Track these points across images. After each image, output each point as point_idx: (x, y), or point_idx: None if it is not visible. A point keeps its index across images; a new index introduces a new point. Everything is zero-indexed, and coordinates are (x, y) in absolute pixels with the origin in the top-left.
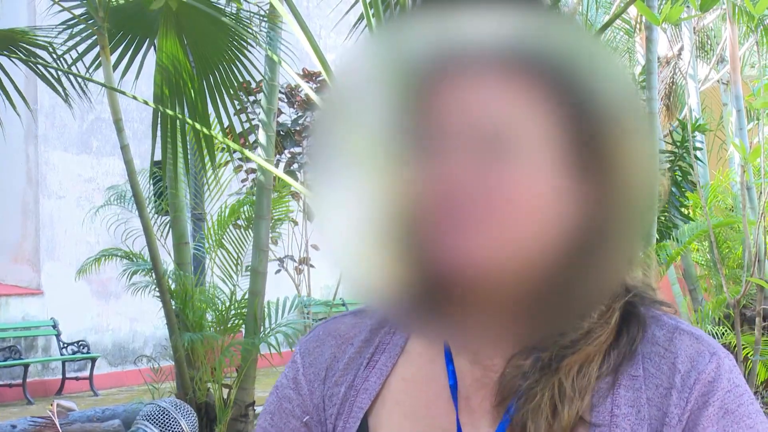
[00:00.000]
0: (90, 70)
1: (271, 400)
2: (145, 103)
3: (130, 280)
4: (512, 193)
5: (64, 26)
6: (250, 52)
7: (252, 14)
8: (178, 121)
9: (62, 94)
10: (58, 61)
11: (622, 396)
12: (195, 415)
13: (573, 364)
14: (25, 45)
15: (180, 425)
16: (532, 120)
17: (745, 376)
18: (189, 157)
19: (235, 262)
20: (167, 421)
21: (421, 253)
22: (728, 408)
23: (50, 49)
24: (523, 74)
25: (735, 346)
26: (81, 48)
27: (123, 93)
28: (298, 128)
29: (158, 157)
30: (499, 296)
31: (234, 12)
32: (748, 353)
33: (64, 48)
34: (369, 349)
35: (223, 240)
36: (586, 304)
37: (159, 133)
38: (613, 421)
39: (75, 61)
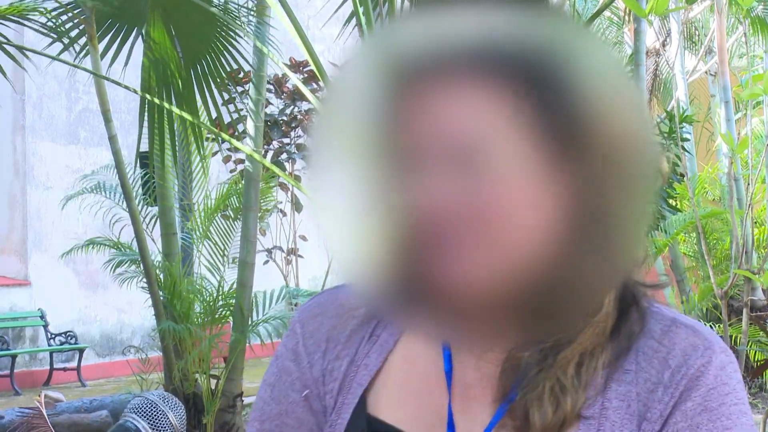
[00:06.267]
0: (79, 57)
1: (271, 371)
2: (135, 92)
3: (115, 270)
4: (495, 206)
5: (53, 16)
6: (238, 42)
7: (240, 6)
8: (165, 110)
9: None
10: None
11: (613, 389)
12: (183, 407)
13: (572, 356)
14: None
15: (168, 418)
16: (510, 126)
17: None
18: (177, 147)
19: (221, 254)
20: (155, 413)
21: (409, 263)
22: (708, 405)
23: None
24: (500, 77)
25: (722, 338)
26: (69, 40)
27: (115, 82)
28: (285, 118)
29: (145, 147)
30: (493, 304)
31: (222, 2)
32: (736, 343)
33: (54, 36)
34: (371, 322)
35: (210, 231)
36: (589, 298)
37: (146, 123)
38: (603, 414)
39: (63, 50)
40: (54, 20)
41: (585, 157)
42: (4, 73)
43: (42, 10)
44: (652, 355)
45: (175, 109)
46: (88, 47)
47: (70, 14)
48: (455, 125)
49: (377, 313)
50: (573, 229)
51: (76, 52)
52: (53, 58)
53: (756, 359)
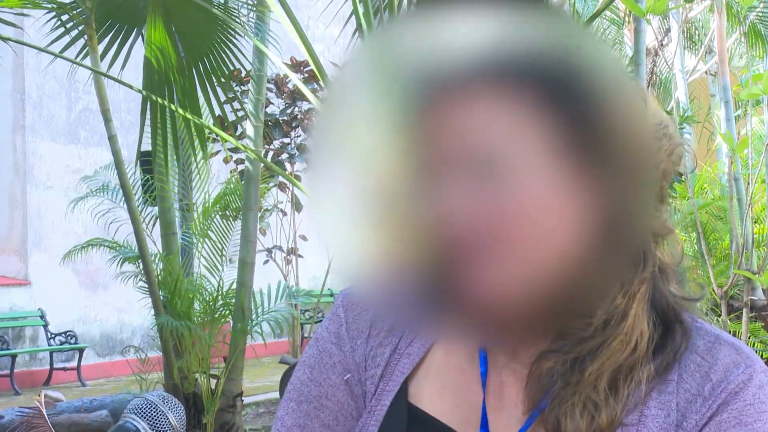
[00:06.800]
0: (78, 58)
1: (311, 353)
2: (139, 91)
3: (120, 266)
4: (519, 216)
5: (53, 15)
6: (238, 41)
7: (240, 5)
8: (167, 110)
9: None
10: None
11: (653, 398)
12: (183, 408)
13: (600, 371)
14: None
15: (168, 419)
16: (529, 133)
17: None
18: (178, 147)
19: (219, 253)
20: (155, 414)
21: (436, 280)
22: (743, 420)
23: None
24: (515, 84)
25: None
26: (68, 38)
27: (117, 80)
28: (286, 118)
29: (146, 146)
30: (521, 314)
31: (222, 2)
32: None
33: (53, 36)
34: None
35: (209, 231)
36: (607, 293)
37: (148, 122)
38: (641, 422)
39: (64, 49)
40: (56, 16)
41: (606, 163)
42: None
43: (41, 1)
44: (695, 369)
45: (174, 107)
46: (87, 47)
47: (69, 14)
48: (476, 135)
49: (400, 324)
50: (595, 230)
51: (76, 51)
52: (56, 55)
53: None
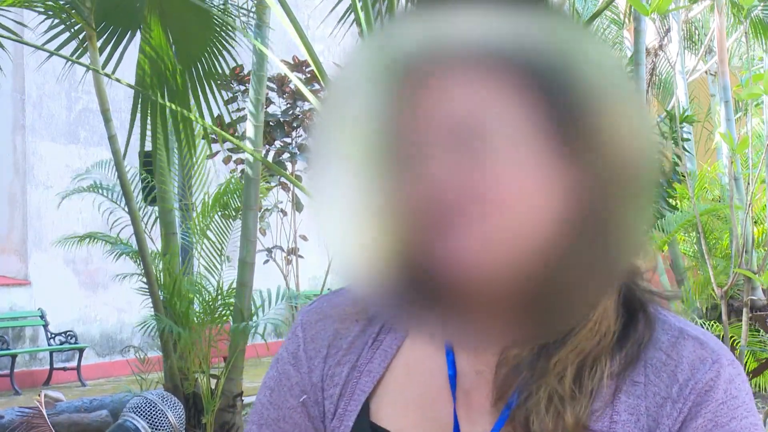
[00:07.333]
0: (75, 56)
1: (271, 375)
2: (140, 91)
3: (116, 260)
4: (498, 191)
5: (52, 15)
6: (237, 42)
7: (240, 7)
8: (165, 109)
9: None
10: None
11: (623, 402)
12: (182, 407)
13: (567, 361)
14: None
15: (167, 418)
16: (512, 112)
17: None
18: (174, 146)
19: (219, 253)
20: (154, 413)
21: (412, 254)
22: (718, 421)
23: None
24: (503, 69)
25: (722, 338)
26: (66, 37)
27: (116, 80)
28: (287, 119)
29: (138, 145)
30: (495, 294)
31: (222, 2)
32: (735, 343)
33: (51, 34)
34: (374, 327)
35: (208, 231)
36: (591, 294)
37: (145, 124)
38: (612, 428)
39: (61, 46)
40: (55, 15)
41: (587, 151)
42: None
43: (39, 3)
44: (661, 368)
45: (169, 104)
46: (86, 44)
47: (68, 14)
48: (457, 110)
49: (379, 316)
50: (573, 224)
51: (74, 50)
52: (51, 53)
53: (756, 358)
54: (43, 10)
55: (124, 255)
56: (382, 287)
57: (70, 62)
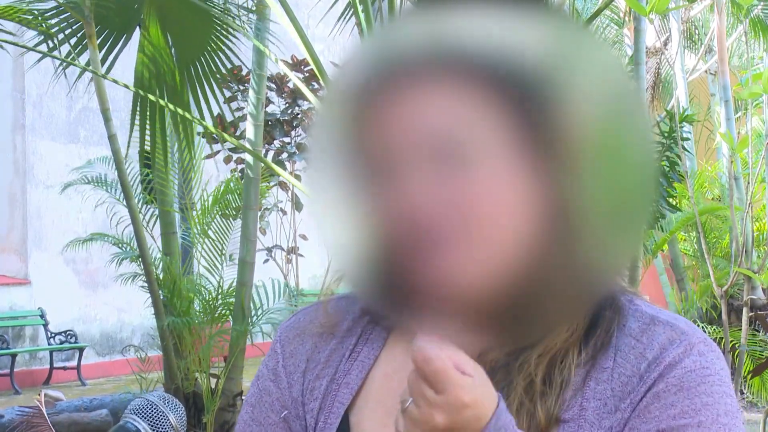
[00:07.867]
0: (75, 53)
1: (252, 392)
2: (140, 92)
3: (119, 265)
4: (475, 202)
5: (52, 13)
6: (236, 41)
7: (240, 7)
8: (164, 109)
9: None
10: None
11: (591, 389)
12: (183, 408)
13: (540, 359)
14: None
15: (168, 419)
16: (487, 123)
17: (734, 367)
18: (173, 145)
19: (219, 252)
20: (156, 415)
21: (392, 266)
22: (684, 385)
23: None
24: (477, 79)
25: (723, 338)
26: (67, 37)
27: (114, 81)
28: (287, 118)
29: (139, 144)
30: (473, 305)
31: (222, 2)
32: (735, 344)
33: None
34: (351, 339)
35: (208, 230)
36: (571, 305)
37: (145, 123)
38: (581, 415)
39: (60, 44)
40: (54, 16)
41: (565, 161)
42: None
43: (37, 12)
44: (629, 352)
45: (167, 104)
46: (85, 41)
47: (68, 14)
48: (432, 122)
49: (368, 311)
50: (552, 233)
51: (73, 51)
52: (45, 54)
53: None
54: (39, 13)
55: (126, 255)
56: (369, 284)
57: (69, 62)
